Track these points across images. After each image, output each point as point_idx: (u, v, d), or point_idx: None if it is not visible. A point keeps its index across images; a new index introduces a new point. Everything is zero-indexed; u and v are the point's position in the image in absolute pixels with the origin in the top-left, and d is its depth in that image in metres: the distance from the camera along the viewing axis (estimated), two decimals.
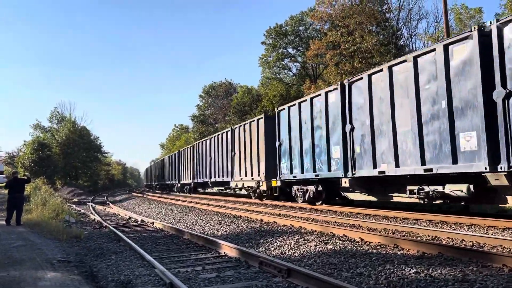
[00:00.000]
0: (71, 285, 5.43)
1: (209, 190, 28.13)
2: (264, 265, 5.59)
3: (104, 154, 67.12)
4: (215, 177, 24.20)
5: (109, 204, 25.46)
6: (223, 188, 24.27)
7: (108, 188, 66.30)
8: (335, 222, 9.98)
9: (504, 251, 5.81)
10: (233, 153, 21.16)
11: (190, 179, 30.43)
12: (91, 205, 23.55)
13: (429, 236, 7.37)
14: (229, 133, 21.76)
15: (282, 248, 7.23)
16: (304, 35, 42.31)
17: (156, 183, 50.06)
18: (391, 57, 24.40)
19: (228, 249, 6.92)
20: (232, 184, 21.16)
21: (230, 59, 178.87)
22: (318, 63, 37.42)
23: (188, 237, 8.98)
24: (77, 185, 49.68)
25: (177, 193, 34.85)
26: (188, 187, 32.12)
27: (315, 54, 32.23)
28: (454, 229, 7.89)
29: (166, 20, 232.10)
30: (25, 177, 14.00)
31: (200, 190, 30.62)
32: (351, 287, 4.05)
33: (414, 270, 4.98)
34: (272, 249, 7.27)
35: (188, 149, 32.10)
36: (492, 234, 7.15)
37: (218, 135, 23.93)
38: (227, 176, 22.02)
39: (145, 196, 34.17)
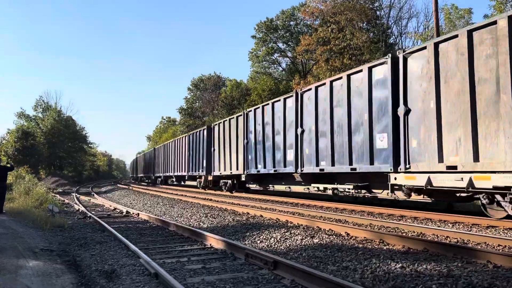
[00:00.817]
0: (53, 273, 5.34)
1: (182, 183, 31.49)
2: (251, 257, 5.57)
3: (89, 145, 66.40)
4: (176, 172, 30.06)
5: (94, 195, 25.18)
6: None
7: (93, 179, 65.61)
8: (321, 216, 10.01)
9: (488, 247, 5.88)
10: (189, 152, 26.40)
11: (171, 172, 32.79)
12: (76, 195, 23.26)
13: (414, 232, 7.43)
14: (198, 133, 25.33)
15: (268, 241, 7.21)
16: (295, 30, 42.28)
17: (142, 175, 49.77)
18: (381, 55, 24.53)
19: (214, 241, 6.88)
20: (188, 178, 27.23)
21: (220, 52, 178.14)
22: (308, 59, 37.43)
23: (173, 229, 8.92)
24: (62, 175, 49.03)
25: (163, 186, 34.85)
26: (170, 180, 34.00)
27: (305, 49, 32.25)
28: (438, 226, 7.97)
29: (156, 11, 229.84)
30: (8, 165, 13.71)
31: (176, 183, 33.23)
32: (337, 280, 4.05)
33: (400, 264, 5.00)
34: (258, 242, 7.25)
35: (171, 143, 33.11)
36: (476, 232, 7.23)
37: (192, 134, 26.82)
38: (186, 171, 27.22)
39: (130, 187, 33.89)
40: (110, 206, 16.03)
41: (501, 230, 7.39)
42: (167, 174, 33.42)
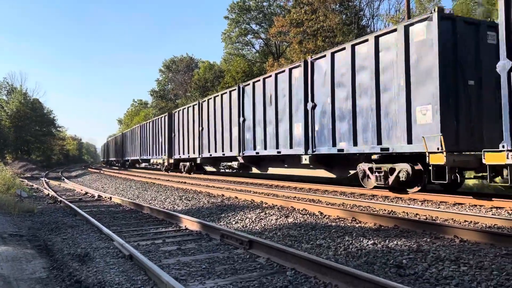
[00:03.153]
0: (23, 258, 5.22)
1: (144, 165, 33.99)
2: (226, 238, 5.59)
3: (58, 128, 64.61)
4: (142, 155, 31.67)
5: (64, 179, 24.61)
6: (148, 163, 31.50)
7: (62, 164, 63.98)
8: (295, 197, 10.13)
9: (455, 223, 6.10)
10: (153, 137, 28.21)
11: (137, 156, 33.74)
12: (45, 180, 22.67)
13: (385, 210, 7.63)
14: (160, 119, 26.99)
15: (243, 221, 7.25)
16: (268, 12, 41.86)
17: (113, 159, 48.95)
18: (353, 37, 24.66)
19: (189, 223, 6.86)
20: (152, 161, 28.77)
21: (192, 33, 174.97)
22: (281, 41, 37.25)
23: (147, 212, 8.84)
24: (30, 160, 47.63)
25: (134, 169, 34.68)
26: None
27: (278, 31, 32.00)
28: (408, 204, 8.21)
29: None
30: None
31: (143, 165, 34.97)
32: (311, 256, 4.12)
33: (372, 241, 5.14)
34: (234, 222, 7.28)
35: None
36: (444, 209, 7.49)
37: (155, 119, 28.07)
38: (150, 155, 28.97)
39: (102, 172, 33.29)
40: (81, 190, 15.72)
41: (467, 207, 7.68)
42: (134, 158, 34.85)
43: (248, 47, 45.40)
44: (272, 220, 7.07)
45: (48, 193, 14.57)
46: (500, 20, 6.98)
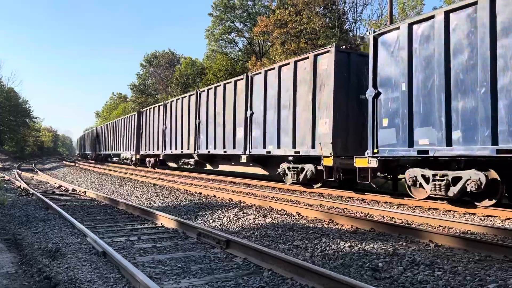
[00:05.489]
0: None
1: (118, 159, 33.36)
2: (203, 236, 5.52)
3: (33, 119, 62.96)
4: (114, 150, 32.91)
5: (37, 171, 23.99)
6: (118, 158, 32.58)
7: (36, 156, 62.46)
8: (274, 197, 10.13)
9: (430, 228, 6.19)
10: (124, 133, 30.09)
11: (110, 151, 34.82)
12: (17, 171, 22.04)
13: (362, 213, 7.69)
14: (131, 117, 28.89)
15: (221, 220, 7.19)
16: (252, 11, 41.77)
17: (89, 153, 48.06)
18: (336, 40, 24.85)
19: (166, 220, 6.76)
20: (122, 156, 30.93)
21: (175, 28, 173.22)
22: (264, 40, 37.24)
23: (123, 208, 8.67)
24: (2, 151, 46.32)
25: (111, 163, 34.05)
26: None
27: (262, 31, 31.99)
28: (385, 207, 8.30)
29: None
30: None
31: (114, 159, 34.84)
32: (287, 257, 4.10)
33: (349, 244, 5.15)
34: (211, 221, 7.21)
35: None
36: (419, 213, 7.60)
37: (127, 117, 29.59)
38: (121, 150, 30.49)
39: (77, 165, 32.61)
40: (55, 183, 15.33)
41: (441, 211, 7.81)
42: (107, 152, 36.78)
43: (232, 45, 45.20)
44: (250, 219, 7.03)
45: (20, 185, 14.15)
46: (370, 56, 9.29)
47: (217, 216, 7.50)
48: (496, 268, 4.10)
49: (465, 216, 7.29)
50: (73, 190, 12.56)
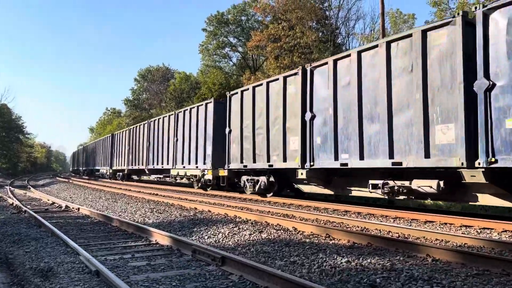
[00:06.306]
0: None
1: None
2: (198, 253, 5.44)
3: (26, 135, 62.56)
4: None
5: (30, 188, 23.73)
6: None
7: (30, 172, 61.94)
8: (269, 211, 10.06)
9: (427, 241, 6.15)
10: (107, 150, 34.11)
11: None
12: (9, 188, 21.78)
13: (358, 227, 7.64)
14: (109, 137, 33.72)
15: (216, 236, 7.11)
16: (246, 26, 42.15)
17: (84, 169, 47.72)
18: (329, 54, 25.06)
19: (160, 237, 6.67)
20: (101, 170, 35.92)
21: (168, 44, 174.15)
22: (258, 55, 37.50)
23: (116, 224, 8.56)
24: None
25: (107, 180, 33.69)
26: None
27: (256, 45, 32.23)
28: (381, 221, 8.26)
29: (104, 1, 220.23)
30: None
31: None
32: (284, 275, 4.04)
33: (346, 259, 5.10)
34: (206, 237, 7.13)
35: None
36: (415, 226, 7.57)
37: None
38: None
39: (71, 181, 32.34)
40: (48, 200, 15.15)
41: (437, 224, 7.79)
42: (95, 167, 39.77)
43: (226, 59, 45.48)
44: (245, 235, 6.96)
45: (12, 203, 13.96)
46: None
47: (212, 232, 7.41)
48: (494, 283, 4.07)
49: (461, 229, 7.26)
50: (66, 206, 12.41)
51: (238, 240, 6.73)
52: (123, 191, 18.11)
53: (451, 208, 10.66)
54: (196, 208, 11.03)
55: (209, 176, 16.29)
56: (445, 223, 7.82)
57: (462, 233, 6.88)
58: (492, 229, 7.10)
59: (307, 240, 6.40)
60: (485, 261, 4.67)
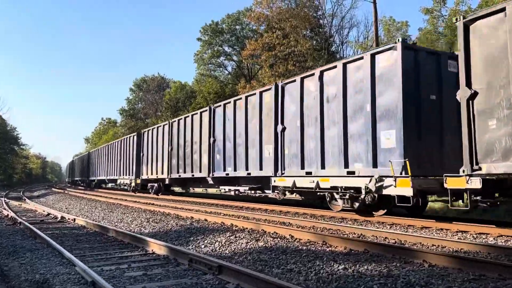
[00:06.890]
0: None
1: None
2: (194, 263, 5.42)
3: (21, 146, 62.31)
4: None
5: (25, 199, 23.57)
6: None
7: (25, 183, 61.63)
8: (266, 219, 10.04)
9: (423, 247, 6.16)
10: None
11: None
12: (4, 200, 21.61)
13: (355, 233, 7.64)
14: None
15: (213, 245, 7.09)
16: (241, 35, 42.41)
17: (79, 179, 47.51)
18: (323, 62, 25.22)
19: (156, 247, 6.64)
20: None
21: (164, 53, 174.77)
22: (253, 63, 37.68)
23: (113, 235, 8.51)
24: None
25: (100, 189, 33.71)
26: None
27: (250, 54, 32.42)
28: (377, 228, 8.26)
29: (97, 10, 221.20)
30: None
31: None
32: (281, 282, 4.03)
33: (342, 266, 5.10)
34: (203, 246, 7.10)
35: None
36: (412, 232, 7.58)
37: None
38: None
39: (66, 192, 32.17)
40: (44, 211, 15.05)
41: (433, 230, 7.80)
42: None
43: (221, 68, 45.65)
44: (242, 243, 6.94)
45: (7, 214, 13.85)
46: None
47: (208, 241, 7.39)
48: (491, 287, 4.08)
49: (457, 235, 7.28)
50: (62, 217, 12.33)
51: (234, 248, 6.72)
52: (118, 201, 18.02)
53: (447, 214, 10.68)
54: (192, 217, 11.00)
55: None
56: (441, 229, 7.84)
57: (458, 238, 6.90)
58: (488, 234, 7.13)
59: (304, 248, 6.39)
60: (482, 266, 4.68)
